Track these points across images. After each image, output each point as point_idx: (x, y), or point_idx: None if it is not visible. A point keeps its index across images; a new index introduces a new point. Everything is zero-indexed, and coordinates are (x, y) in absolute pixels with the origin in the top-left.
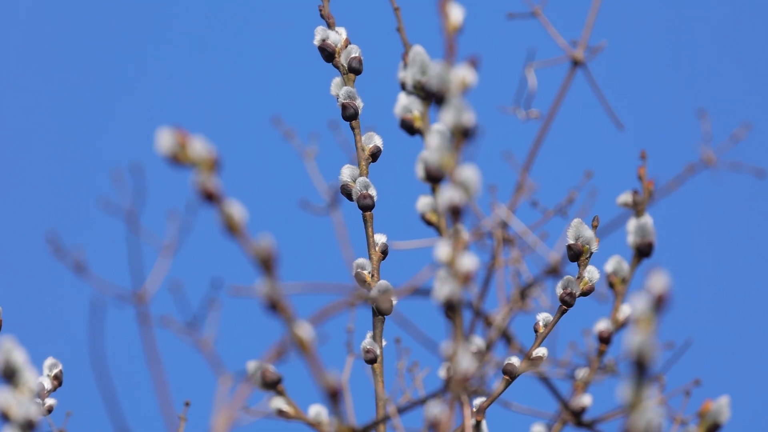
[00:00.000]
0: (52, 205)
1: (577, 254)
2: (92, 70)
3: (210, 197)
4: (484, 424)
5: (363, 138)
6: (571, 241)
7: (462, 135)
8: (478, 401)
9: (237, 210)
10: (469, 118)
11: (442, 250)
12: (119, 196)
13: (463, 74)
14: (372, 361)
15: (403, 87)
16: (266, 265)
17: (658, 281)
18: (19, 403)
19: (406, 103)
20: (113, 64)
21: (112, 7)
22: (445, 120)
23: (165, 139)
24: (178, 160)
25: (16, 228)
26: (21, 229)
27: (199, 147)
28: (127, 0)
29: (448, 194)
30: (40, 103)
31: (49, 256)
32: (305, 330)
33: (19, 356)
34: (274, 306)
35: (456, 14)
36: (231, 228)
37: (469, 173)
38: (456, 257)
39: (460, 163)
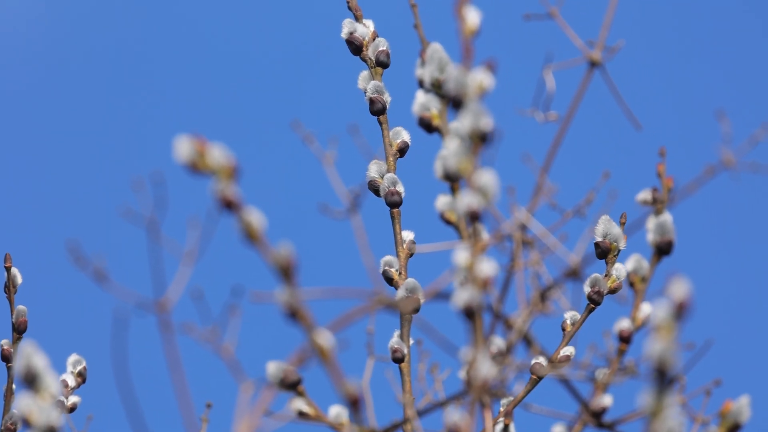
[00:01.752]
0: (73, 214)
1: (605, 251)
2: (116, 79)
3: (229, 205)
4: (512, 428)
5: (391, 133)
6: (599, 239)
7: (480, 139)
8: (505, 401)
9: (256, 217)
10: (486, 122)
11: (461, 255)
12: (140, 205)
13: (480, 78)
14: (399, 360)
15: (420, 84)
16: (285, 272)
17: (679, 288)
18: (41, 409)
19: (424, 101)
20: (137, 72)
21: (137, 16)
22: (462, 125)
23: (184, 148)
24: (197, 168)
25: (37, 237)
26: (42, 238)
27: (217, 155)
28: (152, 9)
29: (467, 200)
30: (61, 112)
31: (71, 265)
32: (325, 338)
33: (40, 361)
34: (293, 313)
35: (473, 18)
36: (250, 235)
37: (487, 178)
38: (475, 262)
39: (478, 167)
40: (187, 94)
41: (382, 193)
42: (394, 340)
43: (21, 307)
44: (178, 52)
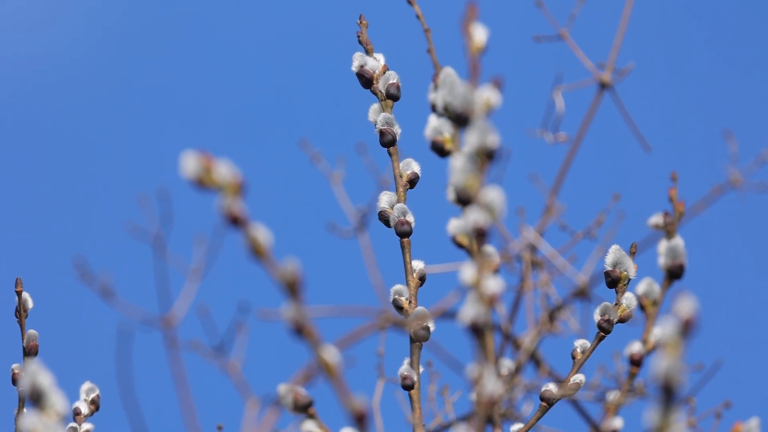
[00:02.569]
0: (79, 230)
1: (615, 281)
2: (123, 93)
3: (235, 221)
4: None
5: (401, 164)
6: (609, 268)
7: (486, 157)
8: (515, 428)
9: (262, 233)
10: (493, 139)
11: (467, 272)
12: (146, 221)
13: (487, 95)
14: (409, 387)
15: (433, 109)
16: (292, 288)
17: (685, 305)
18: (46, 427)
19: (436, 125)
20: (142, 86)
21: (142, 29)
22: (469, 141)
23: (190, 163)
24: (203, 184)
25: (43, 253)
26: (48, 254)
27: (223, 171)
28: (159, 20)
29: (473, 216)
30: (66, 127)
31: (77, 282)
32: (331, 354)
33: (45, 380)
34: (300, 330)
35: (479, 35)
36: (256, 251)
37: (493, 195)
38: (481, 280)
39: (484, 185)
40: (195, 111)
41: (392, 223)
42: (404, 368)
43: (32, 331)
44: (185, 68)
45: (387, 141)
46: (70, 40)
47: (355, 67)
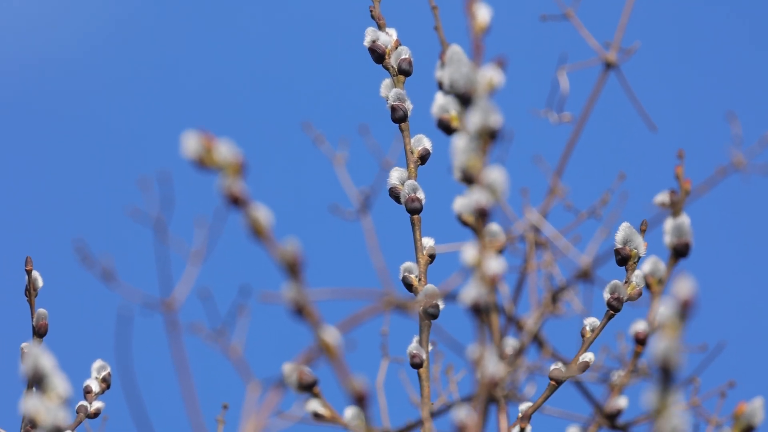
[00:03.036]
0: (80, 213)
1: (625, 258)
2: (123, 78)
3: (236, 201)
4: (529, 430)
5: (412, 140)
6: (620, 246)
7: (489, 136)
8: (524, 407)
9: (262, 213)
10: (495, 119)
11: (469, 253)
12: (147, 204)
13: (490, 75)
14: (418, 365)
15: (440, 86)
16: (292, 269)
17: (684, 286)
18: (48, 410)
19: (443, 103)
20: (141, 70)
21: (138, 14)
22: (471, 121)
23: (191, 143)
24: (204, 164)
25: (44, 237)
26: (49, 237)
27: (224, 150)
28: (162, 13)
29: (475, 196)
30: (67, 112)
31: (78, 265)
32: (332, 335)
33: (47, 362)
34: (300, 311)
35: (483, 14)
36: (257, 232)
37: (495, 175)
38: (483, 260)
39: (487, 164)
40: (196, 93)
41: (402, 199)
42: (413, 346)
43: (41, 310)
44: (186, 51)
45: (398, 117)
46: (77, 31)
47: (367, 42)
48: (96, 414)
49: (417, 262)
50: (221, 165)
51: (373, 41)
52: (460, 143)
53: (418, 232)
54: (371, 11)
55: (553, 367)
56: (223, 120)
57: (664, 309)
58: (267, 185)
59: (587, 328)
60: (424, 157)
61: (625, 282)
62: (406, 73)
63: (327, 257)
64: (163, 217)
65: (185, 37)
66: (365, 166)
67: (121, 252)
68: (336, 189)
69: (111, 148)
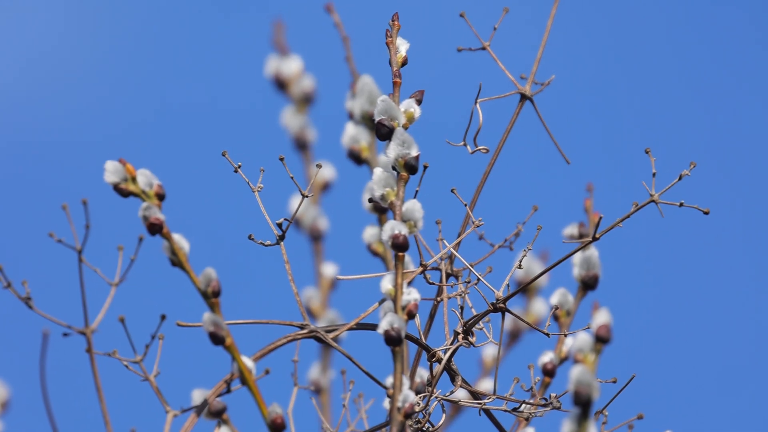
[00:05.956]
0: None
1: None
2: (38, 100)
3: (156, 229)
4: None
5: (312, 167)
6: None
7: (406, 168)
8: None
9: (181, 241)
10: (413, 151)
11: (386, 283)
12: (68, 230)
13: (408, 108)
14: (319, 391)
15: (350, 117)
16: (211, 297)
17: (600, 318)
18: None
19: (353, 134)
20: (56, 94)
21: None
22: (389, 153)
23: (112, 171)
24: (125, 191)
25: None
26: None
27: (145, 178)
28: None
29: (390, 227)
30: None
31: None
32: (249, 364)
33: None
34: (219, 340)
35: (402, 48)
36: (177, 259)
37: (411, 206)
38: (399, 291)
39: (403, 196)
40: (115, 119)
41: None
42: (316, 371)
43: None
44: (103, 72)
45: (301, 145)
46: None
47: (269, 71)
48: None
49: (319, 288)
50: (142, 193)
51: (276, 69)
52: (377, 174)
53: (318, 260)
54: (273, 39)
55: (451, 394)
56: (139, 145)
57: (575, 340)
58: (186, 213)
59: (488, 357)
60: (327, 185)
61: (526, 312)
62: (309, 101)
63: (244, 286)
64: (83, 243)
65: (100, 58)
66: (280, 195)
67: (40, 278)
68: (254, 217)
69: (31, 171)
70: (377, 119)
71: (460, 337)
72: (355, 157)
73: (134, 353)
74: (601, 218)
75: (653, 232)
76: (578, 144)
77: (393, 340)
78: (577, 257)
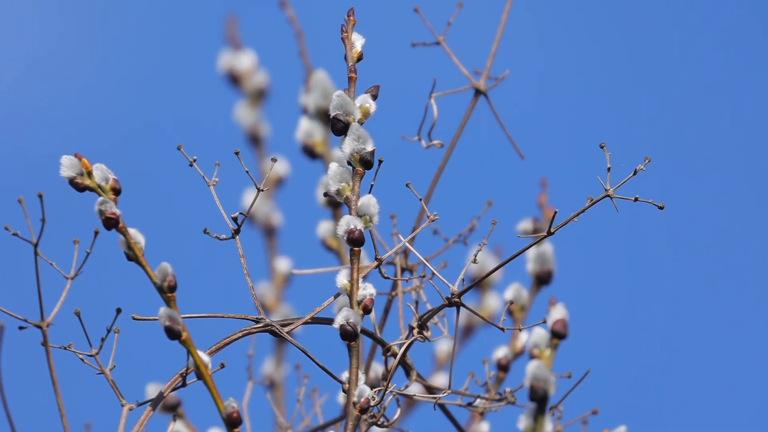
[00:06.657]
0: None
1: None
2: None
3: (111, 223)
4: None
5: (266, 162)
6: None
7: (362, 163)
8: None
9: (137, 236)
10: (368, 146)
11: (341, 278)
12: (24, 223)
13: (364, 103)
14: (273, 385)
15: (305, 112)
16: (167, 292)
17: (556, 314)
18: None
19: (307, 128)
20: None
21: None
22: (344, 148)
23: (68, 165)
24: (80, 185)
25: None
26: None
27: (100, 173)
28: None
29: (346, 222)
30: None
31: None
32: (204, 358)
33: None
34: (175, 334)
35: (357, 43)
36: (132, 254)
37: (367, 202)
38: (354, 285)
39: (358, 191)
40: (76, 121)
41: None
42: (270, 365)
43: None
44: (77, 83)
45: (254, 140)
46: None
47: (223, 65)
48: None
49: (273, 281)
50: (97, 187)
51: (230, 64)
52: (332, 169)
53: (272, 254)
54: (227, 34)
55: (405, 389)
56: (97, 139)
57: (529, 334)
58: (141, 207)
59: (442, 351)
60: (281, 180)
61: (480, 306)
62: (263, 95)
63: (199, 280)
64: (38, 237)
65: (71, 73)
66: (235, 189)
67: None
68: (210, 212)
69: None
70: (332, 114)
71: (415, 331)
72: (309, 152)
73: (90, 347)
74: (555, 213)
75: (608, 227)
76: (532, 139)
77: (349, 335)
78: (532, 252)
